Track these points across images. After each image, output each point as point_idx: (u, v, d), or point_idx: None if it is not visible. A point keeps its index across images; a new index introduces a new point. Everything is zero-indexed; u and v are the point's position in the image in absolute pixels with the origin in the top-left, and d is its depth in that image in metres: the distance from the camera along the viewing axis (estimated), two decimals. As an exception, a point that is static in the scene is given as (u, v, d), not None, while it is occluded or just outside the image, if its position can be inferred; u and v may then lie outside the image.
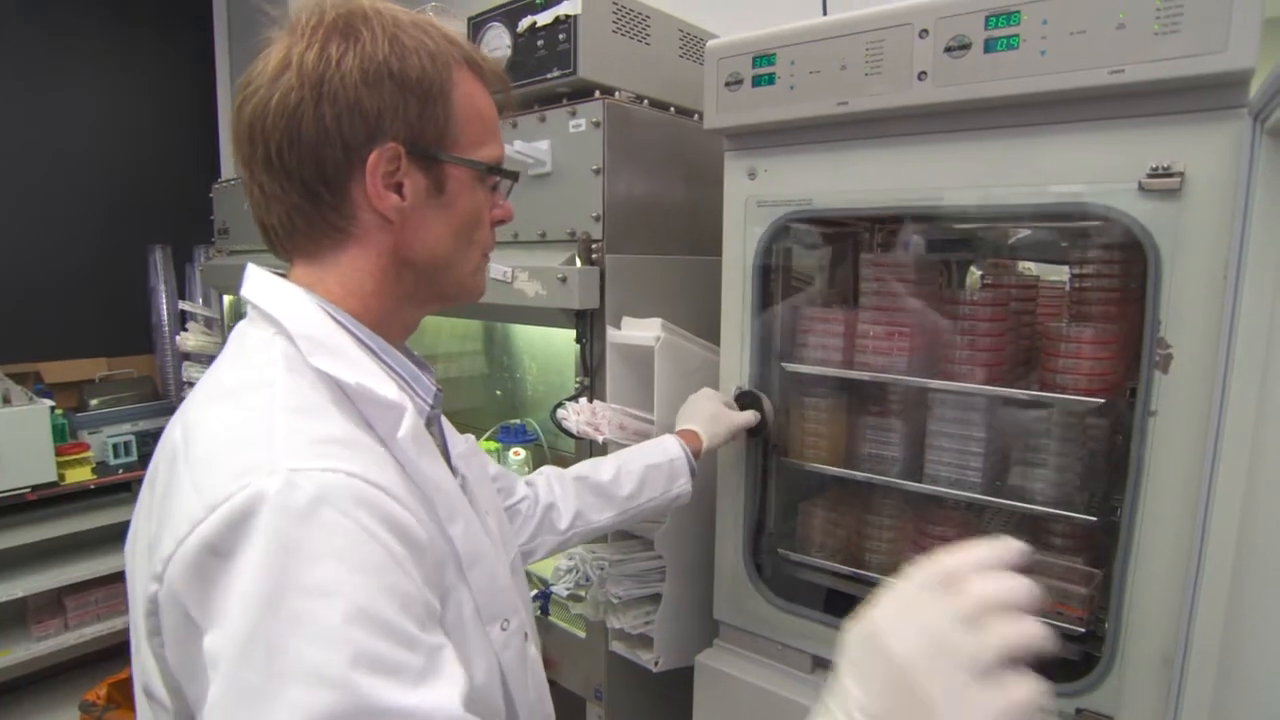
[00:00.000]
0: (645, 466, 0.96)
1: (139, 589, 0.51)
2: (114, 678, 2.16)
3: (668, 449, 0.99)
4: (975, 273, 1.30)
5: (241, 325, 0.60)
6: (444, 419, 0.72)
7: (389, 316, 0.62)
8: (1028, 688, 0.37)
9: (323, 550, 0.44)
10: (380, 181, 0.56)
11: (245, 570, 0.44)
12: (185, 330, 2.71)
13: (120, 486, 2.52)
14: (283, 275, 0.60)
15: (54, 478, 2.29)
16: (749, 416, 1.07)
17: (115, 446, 2.57)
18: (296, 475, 0.46)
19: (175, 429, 0.55)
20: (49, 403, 2.30)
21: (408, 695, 0.44)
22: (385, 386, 0.55)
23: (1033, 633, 0.38)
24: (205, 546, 0.45)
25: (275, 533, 0.44)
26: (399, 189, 0.57)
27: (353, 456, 0.49)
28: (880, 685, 0.40)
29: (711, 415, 1.05)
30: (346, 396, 0.54)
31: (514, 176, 0.65)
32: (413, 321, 0.66)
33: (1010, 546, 0.41)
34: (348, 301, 0.59)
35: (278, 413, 0.50)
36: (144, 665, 0.52)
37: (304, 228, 0.58)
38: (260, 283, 0.58)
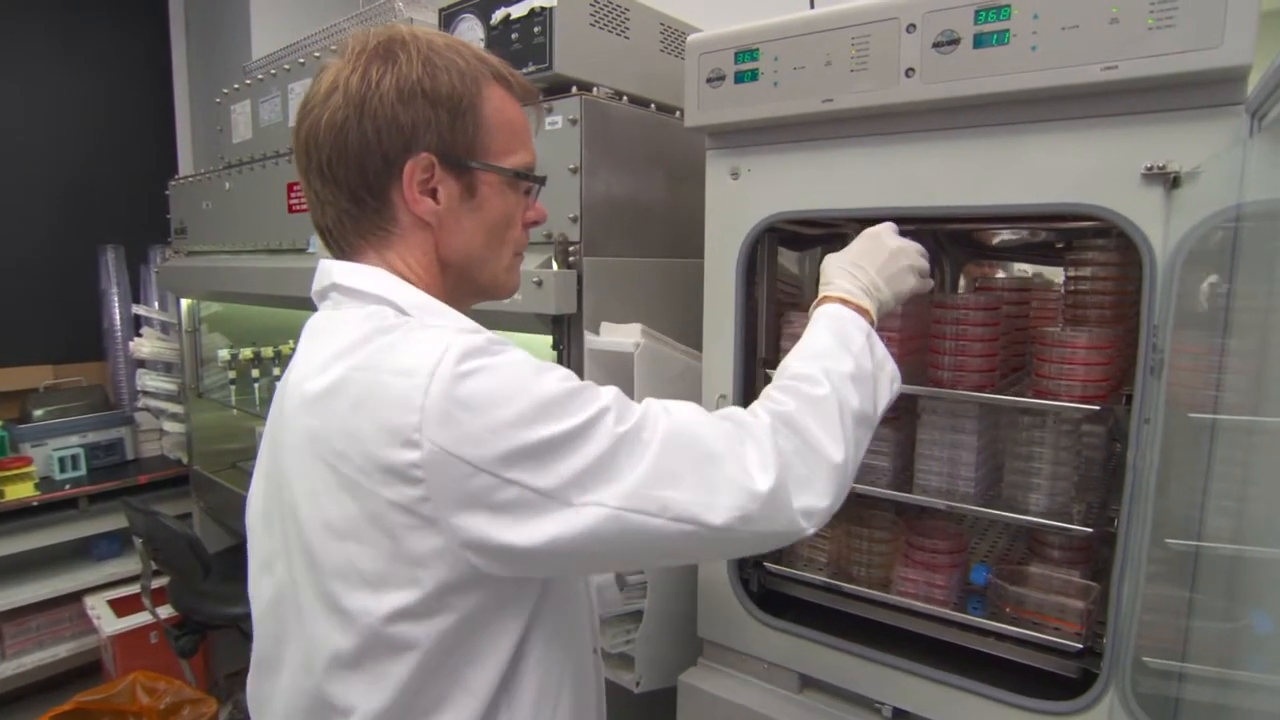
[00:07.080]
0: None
1: (359, 506, 0.54)
2: (57, 709, 2.02)
3: None
4: (969, 274, 1.28)
5: (326, 311, 0.65)
6: None
7: None
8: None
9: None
10: (416, 188, 0.62)
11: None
12: (139, 336, 2.57)
13: (67, 503, 2.38)
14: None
15: (-8, 494, 2.16)
16: None
17: (62, 460, 2.44)
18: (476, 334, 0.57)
19: (311, 384, 0.58)
20: (-13, 414, 2.17)
21: None
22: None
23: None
24: (453, 376, 0.52)
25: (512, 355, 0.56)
26: (434, 194, 0.63)
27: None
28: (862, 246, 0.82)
29: None
30: None
31: (540, 181, 0.71)
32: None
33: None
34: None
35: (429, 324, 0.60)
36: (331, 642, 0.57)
37: (352, 228, 0.65)
38: (352, 270, 0.64)
